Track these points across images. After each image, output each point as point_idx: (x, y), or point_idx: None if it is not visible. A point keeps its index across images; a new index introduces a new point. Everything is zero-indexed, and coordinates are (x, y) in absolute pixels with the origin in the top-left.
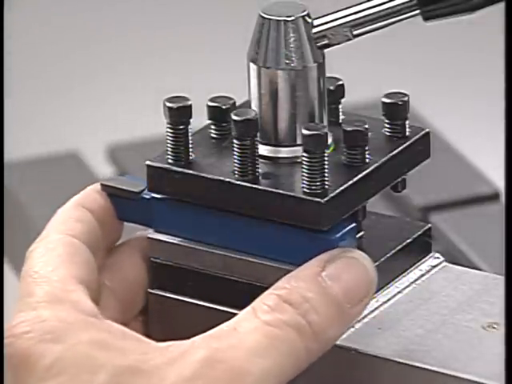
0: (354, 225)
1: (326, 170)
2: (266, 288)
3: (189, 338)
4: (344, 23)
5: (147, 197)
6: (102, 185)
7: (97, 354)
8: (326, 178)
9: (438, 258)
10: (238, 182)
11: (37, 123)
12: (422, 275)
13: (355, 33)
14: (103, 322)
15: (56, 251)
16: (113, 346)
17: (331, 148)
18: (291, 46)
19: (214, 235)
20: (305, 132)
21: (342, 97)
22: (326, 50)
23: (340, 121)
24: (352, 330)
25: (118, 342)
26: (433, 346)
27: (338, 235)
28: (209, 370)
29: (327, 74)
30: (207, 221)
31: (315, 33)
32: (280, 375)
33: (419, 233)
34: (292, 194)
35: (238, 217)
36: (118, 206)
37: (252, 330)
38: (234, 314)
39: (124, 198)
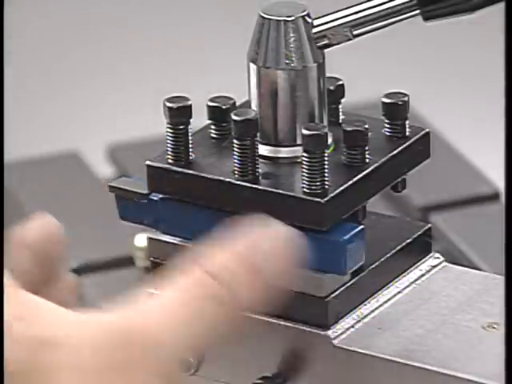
0: (362, 227)
1: (326, 170)
2: None
3: None
4: (344, 23)
5: (155, 198)
6: (109, 186)
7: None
8: (326, 178)
9: (438, 258)
10: (238, 182)
11: (37, 123)
12: (422, 275)
13: (355, 33)
14: (19, 292)
15: None
16: (28, 318)
17: (331, 148)
18: (291, 46)
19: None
20: (305, 132)
21: (342, 97)
22: (326, 50)
23: (340, 121)
24: (352, 330)
25: (32, 312)
26: (433, 346)
27: (347, 237)
28: (123, 340)
29: (327, 74)
30: (210, 221)
31: (315, 33)
32: (198, 346)
33: (419, 233)
34: (292, 193)
35: (240, 217)
36: (124, 208)
37: (171, 301)
38: None
39: (131, 199)
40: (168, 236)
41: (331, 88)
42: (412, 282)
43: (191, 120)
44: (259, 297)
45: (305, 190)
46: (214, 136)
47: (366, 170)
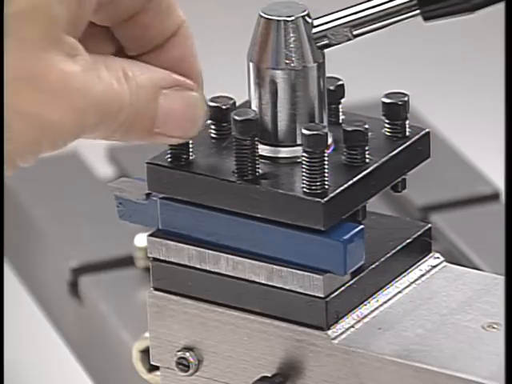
0: (362, 227)
1: (325, 170)
2: (267, 287)
3: (188, 338)
4: (344, 23)
5: (155, 198)
6: (109, 187)
7: None
8: (326, 178)
9: (438, 257)
10: (238, 182)
11: None
12: (422, 275)
13: (355, 33)
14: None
15: None
16: None
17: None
18: (291, 46)
19: (217, 236)
20: (305, 132)
21: (342, 97)
22: (326, 50)
23: (340, 121)
24: (352, 330)
25: None
26: (433, 346)
27: (347, 237)
28: None
29: (327, 74)
30: (210, 221)
31: (315, 33)
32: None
33: (419, 233)
34: (292, 193)
35: (240, 217)
36: (124, 208)
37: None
38: (235, 315)
39: (131, 199)
40: (168, 236)
41: (331, 88)
42: (412, 282)
43: None
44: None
45: (305, 189)
46: (214, 136)
47: (365, 169)
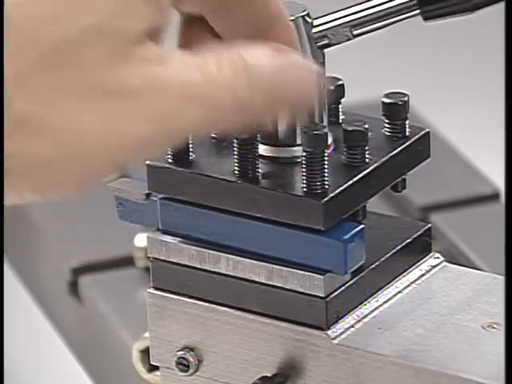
0: (362, 226)
1: (325, 170)
2: (267, 287)
3: (188, 338)
4: (344, 23)
5: (155, 198)
6: (109, 187)
7: None
8: (326, 178)
9: (438, 257)
10: (238, 182)
11: None
12: (422, 275)
13: (355, 33)
14: None
15: None
16: None
17: (331, 148)
18: None
19: (217, 235)
20: (304, 132)
21: (342, 97)
22: (326, 50)
23: (340, 121)
24: (352, 329)
25: None
26: (433, 346)
27: (347, 237)
28: None
29: (327, 74)
30: (210, 221)
31: (315, 33)
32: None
33: (419, 233)
34: (292, 193)
35: (240, 217)
36: (124, 208)
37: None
38: (235, 314)
39: (131, 199)
40: (168, 236)
41: (331, 88)
42: (412, 282)
43: None
44: (264, 112)
45: (305, 189)
46: (214, 136)
47: (365, 169)
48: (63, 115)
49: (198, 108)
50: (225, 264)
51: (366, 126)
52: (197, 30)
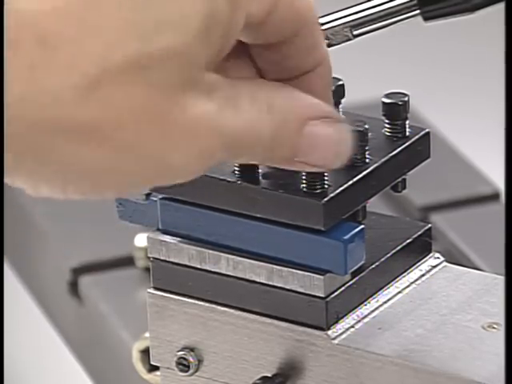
0: (362, 226)
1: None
2: (268, 287)
3: (188, 338)
4: (344, 23)
5: (155, 199)
6: None
7: None
8: (326, 178)
9: (438, 258)
10: (238, 182)
11: None
12: (422, 275)
13: (355, 33)
14: None
15: None
16: None
17: None
18: None
19: (217, 236)
20: None
21: (342, 97)
22: None
23: None
24: (352, 329)
25: None
26: (433, 346)
27: (347, 237)
28: None
29: None
30: (210, 221)
31: None
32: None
33: (419, 233)
34: (292, 193)
35: (240, 217)
36: (124, 208)
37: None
38: (235, 315)
39: (131, 200)
40: (168, 236)
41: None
42: (412, 282)
43: None
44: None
45: (305, 190)
46: None
47: (365, 170)
48: (127, 131)
49: (227, 148)
50: (225, 264)
51: (366, 126)
52: (240, 65)
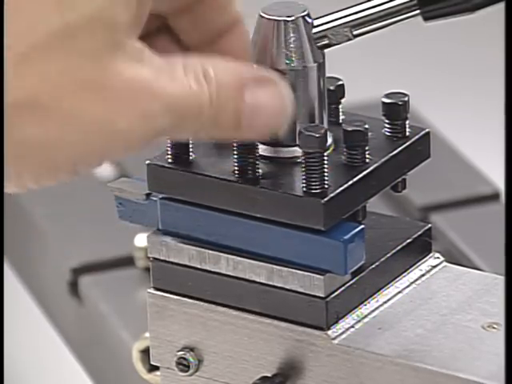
0: (362, 226)
1: (325, 170)
2: (267, 287)
3: (188, 338)
4: (344, 23)
5: (155, 198)
6: (109, 187)
7: None
8: (326, 178)
9: (438, 257)
10: (238, 182)
11: None
12: (422, 275)
13: (355, 33)
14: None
15: None
16: None
17: (331, 148)
18: (291, 46)
19: (217, 236)
20: (303, 133)
21: (342, 97)
22: (326, 50)
23: (340, 121)
24: (352, 329)
25: None
26: (433, 346)
27: (347, 237)
28: None
29: (327, 74)
30: (210, 221)
31: (315, 33)
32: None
33: (419, 233)
34: (292, 193)
35: (240, 217)
36: (124, 208)
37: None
38: (235, 315)
39: (131, 199)
40: (168, 236)
41: (331, 88)
42: (412, 282)
43: None
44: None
45: (305, 189)
46: None
47: (365, 170)
48: (66, 101)
49: (167, 113)
50: (225, 264)
51: (366, 126)
52: (163, 41)
